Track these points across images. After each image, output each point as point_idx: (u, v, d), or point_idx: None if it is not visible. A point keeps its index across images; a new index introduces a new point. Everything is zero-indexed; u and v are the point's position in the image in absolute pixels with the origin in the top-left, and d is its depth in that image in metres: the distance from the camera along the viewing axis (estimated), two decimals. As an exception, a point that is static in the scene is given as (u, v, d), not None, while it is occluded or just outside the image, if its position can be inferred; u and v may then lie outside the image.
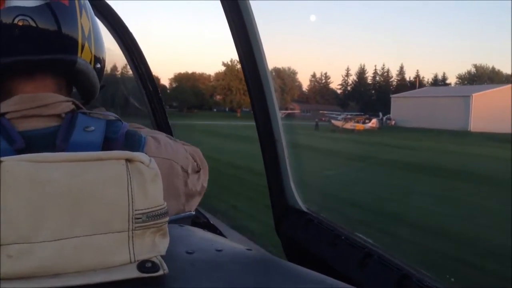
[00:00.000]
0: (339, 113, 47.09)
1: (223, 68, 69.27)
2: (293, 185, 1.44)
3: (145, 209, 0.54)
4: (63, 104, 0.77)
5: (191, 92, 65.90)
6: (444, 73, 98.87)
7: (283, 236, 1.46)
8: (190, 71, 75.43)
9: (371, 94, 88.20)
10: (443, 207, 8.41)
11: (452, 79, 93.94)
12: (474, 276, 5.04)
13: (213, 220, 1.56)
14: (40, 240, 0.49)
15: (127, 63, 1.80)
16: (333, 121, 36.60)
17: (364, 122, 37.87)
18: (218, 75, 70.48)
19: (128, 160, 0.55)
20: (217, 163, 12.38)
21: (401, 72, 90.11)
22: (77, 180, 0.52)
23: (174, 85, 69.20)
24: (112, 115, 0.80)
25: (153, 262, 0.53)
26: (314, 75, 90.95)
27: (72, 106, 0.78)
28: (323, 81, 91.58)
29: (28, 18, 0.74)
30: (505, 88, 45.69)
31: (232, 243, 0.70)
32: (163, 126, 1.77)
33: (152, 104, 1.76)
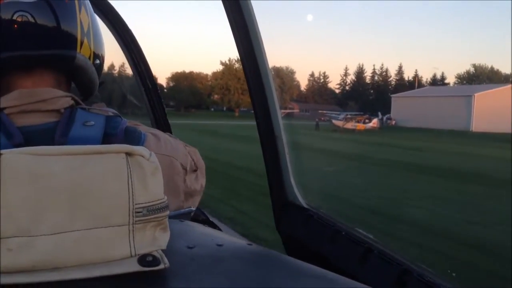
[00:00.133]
0: (338, 112, 47.11)
1: (220, 68, 69.33)
2: (293, 181, 1.44)
3: (145, 202, 0.54)
4: (62, 99, 0.77)
5: (189, 91, 65.86)
6: (442, 73, 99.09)
7: (283, 232, 1.46)
8: (187, 70, 75.39)
9: (369, 94, 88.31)
10: (467, 213, 8.04)
11: (451, 79, 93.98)
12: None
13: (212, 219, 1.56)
14: (40, 234, 0.48)
15: (124, 62, 1.80)
16: (333, 121, 36.57)
17: (364, 122, 37.74)
18: (215, 74, 70.47)
19: (128, 154, 0.55)
20: (219, 164, 12.23)
21: (400, 71, 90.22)
22: (77, 173, 0.52)
23: (171, 84, 69.14)
24: (111, 111, 0.80)
25: (153, 256, 0.53)
26: (312, 75, 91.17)
27: (71, 102, 0.78)
28: (322, 80, 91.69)
29: (27, 14, 0.74)
30: (507, 88, 45.55)
31: (232, 238, 0.69)
32: (162, 124, 1.77)
33: (151, 102, 1.75)
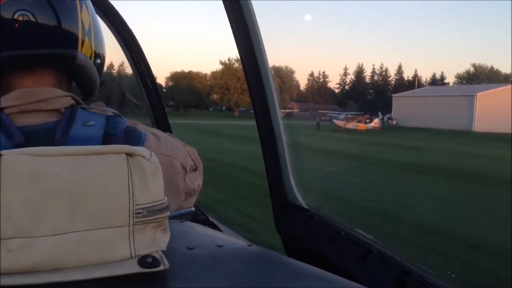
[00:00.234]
0: (338, 112, 47.01)
1: (219, 67, 69.23)
2: (293, 181, 1.44)
3: (146, 203, 0.54)
4: (62, 99, 0.77)
5: (188, 91, 65.81)
6: (442, 73, 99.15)
7: (282, 232, 1.46)
8: (186, 70, 75.33)
9: (369, 94, 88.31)
10: (481, 218, 7.73)
11: (450, 79, 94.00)
12: None
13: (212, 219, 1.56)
14: (40, 235, 0.48)
15: (123, 61, 1.80)
16: (335, 121, 36.36)
17: (366, 122, 37.52)
18: (214, 74, 70.39)
19: (129, 154, 0.55)
20: (221, 165, 12.01)
21: (400, 71, 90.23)
22: (77, 174, 0.51)
23: (170, 83, 69.08)
24: (111, 111, 0.80)
25: (153, 257, 0.53)
26: (312, 74, 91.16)
27: (72, 101, 0.78)
28: (321, 80, 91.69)
29: (28, 13, 0.74)
30: (508, 88, 45.14)
31: (232, 239, 0.69)
32: (162, 123, 1.77)
33: (151, 101, 1.75)
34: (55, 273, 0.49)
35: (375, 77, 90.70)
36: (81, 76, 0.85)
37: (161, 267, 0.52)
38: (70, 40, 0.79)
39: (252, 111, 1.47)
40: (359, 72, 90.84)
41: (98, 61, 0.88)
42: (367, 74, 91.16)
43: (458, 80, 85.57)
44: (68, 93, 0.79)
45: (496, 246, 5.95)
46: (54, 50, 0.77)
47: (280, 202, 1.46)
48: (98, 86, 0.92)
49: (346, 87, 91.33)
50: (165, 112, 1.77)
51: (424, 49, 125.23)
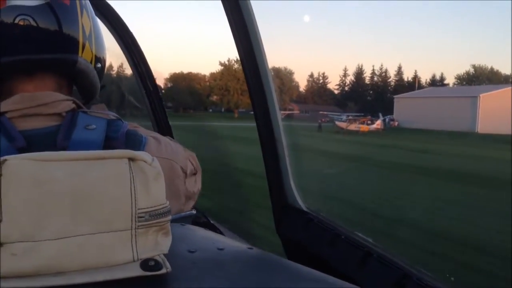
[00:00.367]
0: (339, 113, 46.83)
1: (218, 68, 69.08)
2: (293, 184, 1.44)
3: (147, 207, 0.54)
4: (63, 103, 0.77)
5: (187, 92, 65.71)
6: (442, 74, 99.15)
7: (283, 235, 1.47)
8: (185, 71, 75.21)
9: (369, 95, 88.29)
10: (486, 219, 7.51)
11: (450, 80, 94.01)
12: None
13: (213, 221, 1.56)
14: (43, 239, 0.49)
15: (123, 62, 1.80)
16: (337, 123, 36.11)
17: (368, 124, 37.21)
18: (213, 75, 70.27)
19: (131, 159, 0.56)
20: (227, 168, 11.75)
21: (399, 72, 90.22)
22: (80, 178, 0.52)
23: (169, 85, 69.00)
24: (112, 114, 0.80)
25: (156, 261, 0.54)
26: (311, 75, 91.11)
27: (73, 105, 0.78)
28: (321, 81, 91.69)
29: (29, 18, 0.74)
30: (512, 89, 44.75)
31: (233, 242, 0.70)
32: (163, 125, 1.77)
33: (152, 104, 1.76)
34: (58, 277, 0.49)
35: (375, 78, 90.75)
36: (82, 81, 0.86)
37: (163, 271, 0.53)
38: (71, 44, 0.79)
39: (252, 112, 1.47)
40: (359, 73, 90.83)
41: (99, 65, 0.88)
42: (367, 75, 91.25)
43: (458, 81, 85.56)
44: (69, 97, 0.80)
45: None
46: (55, 55, 0.77)
47: (280, 204, 1.46)
48: (99, 90, 0.92)
49: (346, 88, 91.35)
50: (166, 114, 1.78)
51: (423, 50, 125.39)
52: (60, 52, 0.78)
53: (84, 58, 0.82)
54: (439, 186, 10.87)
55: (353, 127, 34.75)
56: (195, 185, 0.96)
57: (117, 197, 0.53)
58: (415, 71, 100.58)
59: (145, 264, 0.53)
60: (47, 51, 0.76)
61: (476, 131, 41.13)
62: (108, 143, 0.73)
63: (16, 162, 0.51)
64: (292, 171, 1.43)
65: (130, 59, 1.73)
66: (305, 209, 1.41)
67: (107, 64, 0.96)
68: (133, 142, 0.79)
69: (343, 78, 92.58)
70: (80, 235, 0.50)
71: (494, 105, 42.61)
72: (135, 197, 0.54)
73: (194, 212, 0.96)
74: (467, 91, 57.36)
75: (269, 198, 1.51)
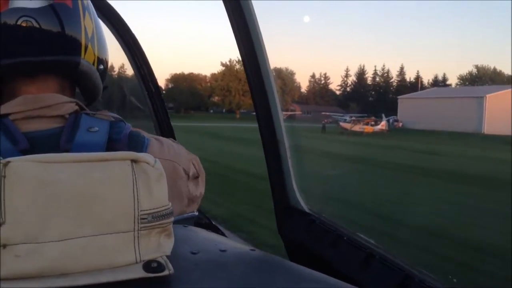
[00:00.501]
0: (341, 114, 46.61)
1: (219, 69, 68.99)
2: (295, 186, 1.44)
3: (150, 209, 0.55)
4: (66, 105, 0.77)
5: (189, 93, 65.67)
6: (444, 74, 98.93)
7: (285, 236, 1.47)
8: (186, 72, 75.24)
9: (371, 95, 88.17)
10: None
11: (452, 80, 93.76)
12: None
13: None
14: (47, 240, 0.49)
15: (124, 63, 1.80)
16: (341, 123, 35.79)
17: (372, 125, 36.82)
18: (214, 75, 70.22)
19: (134, 161, 0.56)
20: (234, 172, 11.58)
21: (402, 72, 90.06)
22: (83, 180, 0.52)
23: (170, 85, 68.98)
24: (115, 116, 0.80)
25: (158, 262, 0.54)
26: (313, 76, 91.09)
27: (76, 107, 0.79)
28: (323, 81, 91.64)
29: (31, 19, 0.74)
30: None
31: (235, 244, 0.70)
32: (165, 127, 1.78)
33: (154, 105, 1.76)
34: (61, 278, 0.50)
35: (377, 79, 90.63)
36: (84, 82, 0.86)
37: (166, 272, 0.53)
38: (73, 46, 0.79)
39: (253, 113, 1.47)
40: (361, 74, 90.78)
41: (101, 66, 0.88)
42: (369, 75, 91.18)
43: (461, 81, 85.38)
44: (72, 99, 0.80)
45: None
46: (57, 57, 0.77)
47: (282, 206, 1.46)
48: (101, 92, 0.92)
49: (348, 89, 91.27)
50: (168, 116, 1.78)
51: (425, 50, 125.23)
52: (63, 54, 0.78)
53: (86, 60, 0.82)
54: (450, 190, 10.60)
55: (357, 128, 34.40)
56: (197, 188, 0.96)
57: (120, 199, 0.53)
58: (417, 71, 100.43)
59: (148, 265, 0.53)
60: (50, 53, 0.77)
61: (482, 132, 40.69)
62: (111, 144, 0.73)
63: (20, 164, 0.51)
64: (295, 173, 1.43)
65: (132, 61, 1.73)
66: (307, 210, 1.41)
67: (109, 65, 0.97)
68: (136, 143, 0.79)
69: (345, 79, 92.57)
70: (83, 236, 0.51)
71: (500, 105, 41.95)
72: (137, 199, 0.54)
73: (196, 213, 0.96)
74: (472, 91, 56.66)
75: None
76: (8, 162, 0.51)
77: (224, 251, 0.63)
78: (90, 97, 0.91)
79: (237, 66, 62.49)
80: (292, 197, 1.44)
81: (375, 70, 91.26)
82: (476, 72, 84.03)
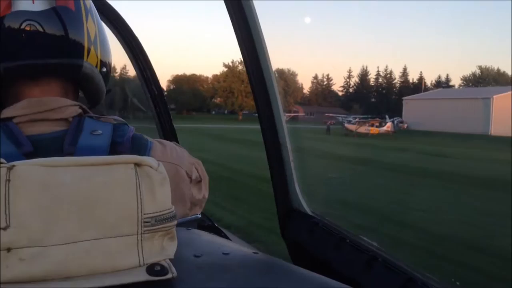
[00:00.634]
0: (345, 115, 46.29)
1: (221, 70, 68.84)
2: (298, 188, 1.44)
3: (153, 212, 0.55)
4: (70, 108, 0.77)
5: (191, 94, 65.59)
6: (447, 75, 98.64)
7: (288, 239, 1.47)
8: (187, 73, 75.19)
9: (373, 96, 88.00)
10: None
11: (455, 81, 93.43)
12: None
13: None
14: (51, 244, 0.49)
15: (126, 65, 1.80)
16: (346, 125, 35.15)
17: (378, 126, 36.18)
18: (216, 77, 70.12)
19: (137, 164, 0.56)
20: (243, 175, 11.15)
21: (404, 73, 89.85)
22: (87, 184, 0.53)
23: (172, 87, 68.92)
24: (118, 119, 0.81)
25: (162, 266, 0.54)
26: (316, 77, 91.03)
27: (79, 110, 0.79)
28: (325, 83, 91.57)
29: (35, 23, 0.74)
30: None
31: (238, 246, 0.70)
32: (167, 130, 1.78)
33: (157, 108, 1.76)
34: (65, 282, 0.50)
35: (380, 80, 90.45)
36: (87, 85, 0.85)
37: (169, 276, 0.53)
38: (76, 49, 0.79)
39: (255, 114, 1.47)
40: (364, 75, 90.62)
41: (104, 69, 0.88)
42: (372, 76, 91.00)
43: (464, 82, 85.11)
44: (76, 102, 0.80)
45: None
46: (60, 59, 0.77)
47: (285, 209, 1.46)
48: (104, 95, 0.92)
49: (350, 90, 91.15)
50: (171, 119, 1.78)
51: (427, 51, 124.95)
52: (66, 57, 0.78)
53: (89, 62, 0.82)
54: (472, 195, 10.05)
55: (362, 129, 33.82)
56: (200, 192, 0.96)
57: (123, 202, 0.54)
58: (420, 72, 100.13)
59: (151, 269, 0.53)
60: (53, 56, 0.76)
61: (489, 133, 40.20)
62: (114, 147, 0.73)
63: (24, 167, 0.51)
64: (297, 175, 1.43)
65: (135, 64, 1.74)
66: (310, 213, 1.41)
67: (113, 67, 0.97)
68: (139, 146, 0.79)
69: (348, 80, 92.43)
70: (87, 240, 0.51)
71: (507, 106, 41.32)
72: (141, 202, 0.54)
73: (199, 215, 0.96)
74: (478, 92, 55.87)
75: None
76: (13, 166, 0.51)
77: (227, 254, 0.64)
78: (93, 100, 0.91)
79: (240, 67, 62.27)
80: (295, 199, 1.44)
81: (378, 71, 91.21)
82: (480, 73, 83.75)
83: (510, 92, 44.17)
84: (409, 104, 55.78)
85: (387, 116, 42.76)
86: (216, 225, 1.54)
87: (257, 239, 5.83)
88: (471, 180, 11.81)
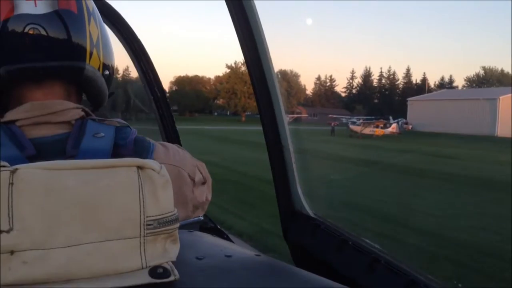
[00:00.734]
0: (349, 117, 45.95)
1: (224, 71, 68.65)
2: (300, 191, 1.44)
3: (156, 215, 0.55)
4: (72, 111, 0.78)
5: (193, 95, 65.47)
6: (451, 76, 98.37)
7: (290, 241, 1.47)
8: (190, 74, 75.10)
9: (376, 97, 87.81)
10: None
11: (459, 82, 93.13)
12: None
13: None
14: (54, 247, 0.50)
15: (128, 66, 1.81)
16: (351, 126, 34.61)
17: (383, 127, 35.61)
18: (218, 78, 69.96)
19: (140, 167, 0.56)
20: (251, 179, 10.70)
21: (408, 74, 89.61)
22: (90, 187, 0.53)
23: (174, 88, 68.83)
24: (120, 121, 0.81)
25: (164, 268, 0.54)
26: (319, 78, 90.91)
27: (82, 113, 0.79)
28: (328, 84, 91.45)
29: (39, 27, 0.74)
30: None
31: (241, 249, 0.70)
32: (170, 132, 1.78)
33: (160, 110, 1.77)
34: (68, 284, 0.50)
35: (383, 81, 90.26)
36: (90, 88, 0.85)
37: (172, 278, 0.53)
38: (78, 52, 0.79)
39: (258, 116, 1.47)
40: (367, 76, 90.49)
41: (107, 72, 0.88)
42: (375, 77, 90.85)
43: (468, 83, 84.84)
44: (78, 105, 0.80)
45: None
46: (62, 62, 0.78)
47: (287, 211, 1.46)
48: (107, 97, 0.92)
49: (353, 91, 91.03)
50: (174, 121, 1.79)
51: (430, 52, 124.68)
52: (68, 59, 0.78)
53: (91, 65, 0.82)
54: (487, 199, 9.57)
55: (367, 131, 33.22)
56: (203, 195, 0.97)
57: (126, 205, 0.54)
58: (424, 73, 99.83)
59: (154, 271, 0.54)
60: (55, 59, 0.77)
61: (495, 134, 39.65)
62: (117, 150, 0.73)
63: (27, 171, 0.52)
64: (299, 177, 1.43)
65: (138, 66, 1.74)
66: (312, 215, 1.41)
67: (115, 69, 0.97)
68: (141, 148, 0.80)
69: (351, 81, 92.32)
70: (89, 243, 0.51)
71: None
72: (143, 205, 0.54)
73: (202, 218, 0.97)
74: (484, 93, 54.96)
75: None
76: (16, 169, 0.51)
77: (229, 256, 0.64)
78: (96, 102, 0.91)
79: (243, 68, 62.00)
80: (297, 201, 1.44)
81: (381, 72, 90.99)
82: (483, 74, 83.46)
83: (514, 93, 43.77)
84: (414, 105, 55.10)
85: (390, 117, 42.33)
86: (218, 227, 1.54)
87: (272, 249, 5.37)
88: (484, 182, 11.45)
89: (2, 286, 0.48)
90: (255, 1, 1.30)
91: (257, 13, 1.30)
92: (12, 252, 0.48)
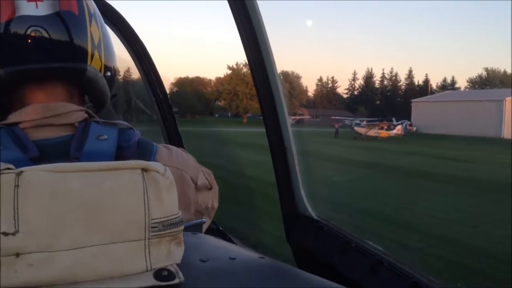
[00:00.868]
0: (351, 118, 45.76)
1: (225, 73, 68.46)
2: (303, 193, 1.44)
3: (161, 218, 0.55)
4: (75, 113, 0.78)
5: (195, 97, 65.31)
6: (453, 77, 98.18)
7: (293, 243, 1.47)
8: (190, 75, 74.96)
9: (378, 99, 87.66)
10: None
11: (461, 83, 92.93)
12: None
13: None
14: (59, 249, 0.50)
15: (129, 67, 1.81)
16: (355, 128, 34.44)
17: (387, 129, 35.33)
18: (219, 79, 69.78)
19: (144, 170, 0.57)
20: (258, 183, 10.05)
21: (410, 76, 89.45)
22: (95, 189, 0.53)
23: (175, 89, 68.66)
24: (123, 124, 0.81)
25: (169, 271, 0.54)
26: (320, 79, 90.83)
27: (85, 115, 0.79)
28: (330, 85, 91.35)
29: (40, 29, 0.74)
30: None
31: (245, 251, 0.70)
32: (172, 133, 1.78)
33: (162, 112, 1.77)
34: (73, 287, 0.50)
35: (385, 82, 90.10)
36: (91, 89, 0.86)
37: (176, 281, 0.53)
38: (80, 54, 0.79)
39: (260, 117, 1.47)
40: (369, 77, 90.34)
41: (108, 74, 0.88)
42: (377, 79, 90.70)
43: (470, 84, 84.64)
44: (81, 107, 0.80)
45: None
46: (64, 64, 0.78)
47: (290, 213, 1.46)
48: (109, 99, 0.93)
49: (355, 92, 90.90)
50: (176, 123, 1.79)
51: (431, 53, 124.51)
52: (69, 61, 0.78)
53: (93, 66, 0.82)
54: (504, 203, 9.13)
55: (372, 132, 32.96)
56: (208, 201, 0.97)
57: (131, 208, 0.54)
58: (426, 74, 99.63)
59: (159, 274, 0.54)
60: (57, 60, 0.77)
61: (502, 136, 39.21)
62: (120, 152, 0.73)
63: (32, 173, 0.52)
64: (302, 179, 1.43)
65: (140, 68, 1.74)
66: (315, 217, 1.41)
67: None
68: (145, 151, 0.80)
69: (353, 82, 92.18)
70: (94, 245, 0.51)
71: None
72: (148, 208, 0.55)
73: (205, 220, 0.97)
74: (487, 94, 54.44)
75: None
76: (21, 171, 0.51)
77: (233, 258, 0.64)
78: (98, 104, 0.91)
79: (244, 70, 61.93)
80: (300, 204, 1.44)
81: (383, 73, 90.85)
82: (486, 75, 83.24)
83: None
84: (418, 106, 54.51)
85: (393, 119, 42.07)
86: (220, 228, 1.54)
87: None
88: (499, 186, 11.11)
89: None
90: (258, 1, 1.29)
91: (260, 14, 1.30)
92: (17, 255, 0.48)
